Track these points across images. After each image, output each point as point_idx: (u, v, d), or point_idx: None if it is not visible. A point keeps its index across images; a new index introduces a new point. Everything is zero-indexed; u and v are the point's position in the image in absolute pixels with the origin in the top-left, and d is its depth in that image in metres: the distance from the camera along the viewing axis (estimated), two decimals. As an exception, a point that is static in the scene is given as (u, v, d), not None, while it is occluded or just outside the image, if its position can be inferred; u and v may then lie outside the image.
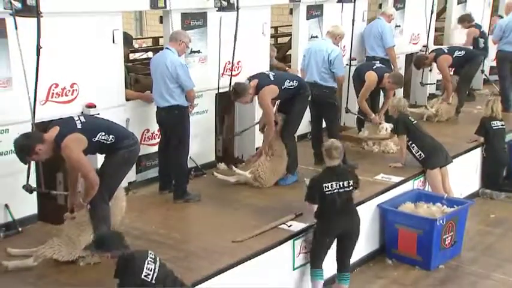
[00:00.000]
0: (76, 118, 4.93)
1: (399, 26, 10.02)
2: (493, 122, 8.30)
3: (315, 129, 7.71)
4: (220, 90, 7.17)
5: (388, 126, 7.91)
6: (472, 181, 8.43)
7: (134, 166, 6.05)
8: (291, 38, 9.03)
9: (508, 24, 10.06)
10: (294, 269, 5.60)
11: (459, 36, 11.21)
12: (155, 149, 6.68)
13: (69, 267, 4.85)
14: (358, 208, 5.82)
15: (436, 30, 11.08)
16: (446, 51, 9.61)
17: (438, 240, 6.31)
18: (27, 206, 5.58)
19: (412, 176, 7.21)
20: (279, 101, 7.04)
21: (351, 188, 5.44)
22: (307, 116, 7.30)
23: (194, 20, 6.86)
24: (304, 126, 7.65)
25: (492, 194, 8.39)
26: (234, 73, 7.24)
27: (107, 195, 4.94)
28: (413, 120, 7.49)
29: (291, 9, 8.47)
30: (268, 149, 6.78)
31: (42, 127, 5.18)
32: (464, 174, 8.08)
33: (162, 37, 7.75)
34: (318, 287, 5.60)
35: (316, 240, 5.58)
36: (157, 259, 4.18)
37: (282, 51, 9.96)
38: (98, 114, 5.80)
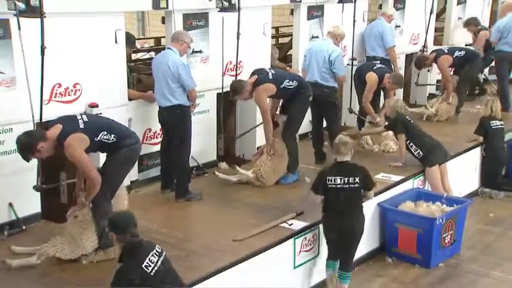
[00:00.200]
0: (79, 117, 4.94)
1: (399, 26, 10.03)
2: (492, 122, 8.31)
3: (316, 129, 7.72)
4: (223, 90, 7.18)
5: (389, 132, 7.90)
6: (471, 180, 8.43)
7: (136, 165, 6.07)
8: (291, 38, 9.03)
9: (506, 26, 10.07)
10: (295, 268, 5.60)
11: (459, 37, 11.23)
12: (157, 148, 6.68)
13: (72, 266, 4.86)
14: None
15: (435, 31, 11.08)
16: (446, 51, 9.63)
17: (438, 239, 6.32)
18: (31, 204, 5.60)
19: (412, 175, 7.22)
20: (281, 102, 7.05)
21: (356, 185, 5.36)
22: (307, 115, 7.30)
23: (196, 20, 6.87)
24: (305, 125, 7.66)
25: (491, 193, 8.39)
26: (234, 73, 7.24)
27: (109, 193, 4.95)
28: (410, 119, 7.51)
29: (292, 10, 8.47)
30: (270, 148, 6.78)
31: (45, 126, 5.19)
32: (463, 174, 8.08)
33: (164, 37, 7.77)
34: (331, 278, 5.62)
35: (324, 234, 5.63)
36: (163, 254, 4.13)
37: (282, 52, 9.96)
38: (101, 113, 5.82)
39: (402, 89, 9.25)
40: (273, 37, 9.37)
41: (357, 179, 5.36)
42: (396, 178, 6.97)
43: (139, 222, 5.55)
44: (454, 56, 9.49)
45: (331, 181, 5.36)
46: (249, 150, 7.72)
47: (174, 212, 6.10)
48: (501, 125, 8.38)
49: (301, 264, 5.64)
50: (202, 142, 7.10)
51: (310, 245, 5.71)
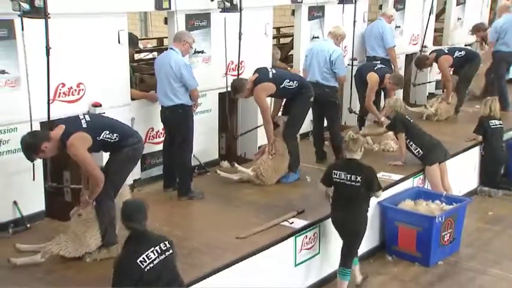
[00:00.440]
0: (81, 117, 4.95)
1: (399, 26, 10.02)
2: (491, 121, 8.31)
3: (317, 128, 7.72)
4: (225, 90, 7.18)
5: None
6: (470, 179, 8.43)
7: (139, 164, 6.07)
8: (292, 38, 9.03)
9: (503, 26, 10.10)
10: (296, 265, 5.61)
11: (458, 37, 11.24)
12: (160, 147, 6.69)
13: (76, 263, 4.87)
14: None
15: (435, 31, 11.08)
16: (446, 51, 9.64)
17: (437, 237, 6.32)
18: (35, 202, 5.62)
19: (412, 174, 7.22)
20: (283, 103, 7.06)
21: (358, 184, 5.38)
22: (308, 115, 7.30)
23: (198, 20, 6.87)
24: (306, 125, 7.65)
25: (490, 192, 8.39)
26: (237, 73, 7.25)
27: (112, 192, 4.96)
28: (410, 118, 7.51)
29: (293, 10, 8.48)
30: (272, 148, 6.78)
31: (49, 126, 5.21)
32: (462, 172, 8.09)
33: (166, 38, 7.77)
34: (353, 270, 5.71)
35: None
36: (168, 252, 4.03)
37: (284, 52, 9.95)
38: (104, 113, 5.83)
39: (402, 89, 9.24)
40: (274, 37, 9.37)
41: (359, 178, 5.38)
42: (396, 177, 6.98)
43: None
44: (454, 56, 9.51)
45: (336, 175, 5.47)
46: (251, 149, 7.72)
47: (176, 210, 6.11)
48: (500, 124, 8.39)
49: (302, 262, 5.65)
50: (204, 141, 7.11)
51: (311, 243, 5.72)
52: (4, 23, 5.13)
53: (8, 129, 5.32)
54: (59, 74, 5.52)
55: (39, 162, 5.31)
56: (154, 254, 3.98)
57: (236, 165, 6.83)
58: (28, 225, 5.49)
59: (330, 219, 5.90)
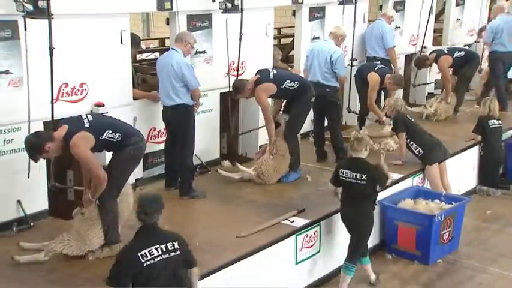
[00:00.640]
0: (84, 117, 4.96)
1: (399, 27, 10.02)
2: (490, 121, 8.30)
3: (317, 128, 7.72)
4: (226, 90, 7.18)
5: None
6: (469, 178, 8.43)
7: (141, 163, 6.08)
8: (293, 39, 9.03)
9: (498, 27, 10.13)
10: (297, 264, 5.61)
11: (458, 38, 11.24)
12: (162, 146, 6.69)
13: (79, 262, 4.88)
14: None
15: (434, 32, 11.08)
16: (446, 52, 9.64)
17: (436, 236, 6.32)
18: (39, 201, 5.63)
19: (412, 173, 7.22)
20: (284, 102, 7.06)
21: (363, 182, 5.47)
22: (309, 114, 7.30)
23: (200, 21, 6.87)
24: (307, 124, 7.65)
25: (489, 191, 8.38)
26: (238, 73, 7.25)
27: (114, 191, 4.96)
28: (411, 118, 7.51)
29: (294, 11, 8.48)
30: (273, 147, 6.79)
31: (52, 125, 5.22)
32: (462, 172, 8.09)
33: (168, 38, 7.77)
34: (365, 269, 5.78)
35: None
36: (174, 253, 3.98)
37: (285, 52, 9.95)
38: (107, 112, 5.83)
39: (402, 89, 9.24)
40: (275, 38, 9.36)
41: (364, 176, 5.46)
42: (396, 176, 6.97)
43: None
44: (454, 57, 9.51)
45: (342, 173, 5.57)
46: (252, 148, 7.72)
47: (177, 209, 6.11)
48: (499, 124, 8.38)
49: (302, 261, 5.65)
50: (206, 141, 7.11)
51: (312, 241, 5.72)
52: (8, 23, 5.13)
53: (11, 129, 5.33)
54: (62, 74, 5.52)
55: (42, 162, 5.32)
56: (158, 251, 3.95)
57: (238, 165, 6.83)
58: (32, 224, 5.50)
59: (330, 218, 5.94)
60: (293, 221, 5.68)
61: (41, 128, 5.30)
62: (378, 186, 5.62)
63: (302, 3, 8.21)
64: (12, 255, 4.82)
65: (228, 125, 7.74)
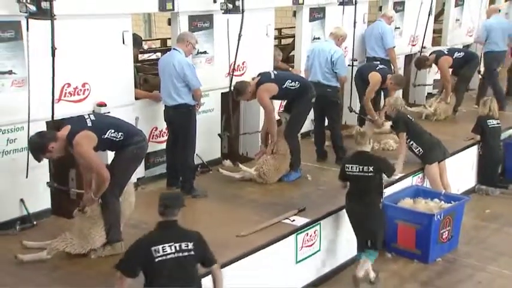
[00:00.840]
0: (86, 116, 4.98)
1: (399, 27, 10.02)
2: (489, 121, 8.30)
3: (318, 128, 7.72)
4: (227, 90, 7.19)
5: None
6: (468, 178, 8.43)
7: (143, 162, 6.07)
8: (294, 39, 9.03)
9: (491, 26, 10.21)
10: (297, 262, 5.62)
11: (457, 38, 11.25)
12: (163, 146, 6.70)
13: (82, 260, 4.89)
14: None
15: (434, 32, 11.08)
16: (446, 52, 9.66)
17: (436, 235, 6.33)
18: (42, 200, 5.64)
19: (411, 172, 7.23)
20: (285, 102, 7.06)
21: (371, 174, 5.59)
22: (310, 114, 7.31)
23: (201, 22, 6.88)
24: (307, 124, 7.66)
25: (488, 190, 8.38)
26: (238, 73, 7.26)
27: (117, 190, 4.97)
28: (411, 117, 7.52)
29: (294, 12, 8.49)
30: (273, 147, 6.79)
31: (55, 125, 5.22)
32: (461, 171, 8.09)
33: (170, 38, 7.78)
34: (364, 264, 5.71)
35: (350, 221, 5.81)
36: (188, 253, 3.97)
37: (285, 52, 9.95)
38: (109, 112, 5.84)
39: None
40: (275, 38, 9.37)
41: (371, 168, 5.59)
42: (396, 176, 6.97)
43: (144, 218, 5.60)
44: (454, 57, 9.52)
45: (349, 168, 5.68)
46: (252, 148, 7.72)
47: (179, 208, 6.10)
48: (497, 124, 8.38)
49: (303, 259, 5.66)
50: (207, 140, 7.11)
51: (312, 240, 5.73)
52: (11, 24, 5.14)
53: (14, 128, 5.34)
54: (64, 74, 5.53)
55: (45, 161, 5.32)
56: (171, 249, 3.95)
57: (240, 165, 6.84)
58: (35, 223, 5.51)
59: (330, 217, 5.94)
60: (293, 220, 5.68)
61: (43, 127, 5.32)
62: (385, 176, 5.76)
63: (302, 4, 8.21)
64: (15, 254, 4.83)
65: (229, 125, 7.73)
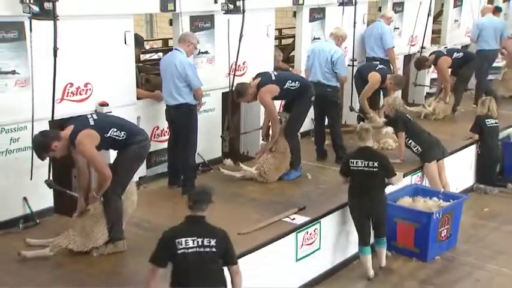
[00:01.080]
0: (89, 116, 5.00)
1: (398, 28, 10.02)
2: (488, 120, 8.31)
3: (318, 127, 7.73)
4: (228, 89, 7.19)
5: (389, 129, 7.89)
6: (467, 176, 8.44)
7: (145, 162, 6.07)
8: (294, 39, 9.04)
9: (484, 24, 10.28)
10: (297, 260, 5.63)
11: (456, 39, 11.26)
12: (165, 145, 6.70)
13: (85, 258, 4.90)
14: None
15: (433, 33, 11.08)
16: (445, 53, 9.67)
17: (434, 233, 6.33)
18: (44, 199, 5.64)
19: (410, 171, 7.23)
20: (284, 101, 7.07)
21: (375, 169, 5.67)
22: (310, 113, 7.31)
23: (202, 22, 6.89)
24: (307, 123, 7.67)
25: (486, 189, 8.39)
26: (239, 73, 7.26)
27: (119, 189, 4.98)
28: (410, 117, 7.53)
29: (295, 12, 8.49)
30: (273, 146, 6.80)
31: (59, 124, 5.23)
32: (459, 170, 8.09)
33: (171, 39, 7.78)
34: (365, 261, 5.84)
35: (352, 217, 5.89)
36: (207, 249, 3.99)
37: (286, 53, 9.95)
38: (111, 112, 5.84)
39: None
40: (276, 38, 9.37)
41: (376, 163, 5.67)
42: (392, 182, 6.96)
43: (146, 217, 5.62)
44: (453, 58, 9.53)
45: (353, 163, 5.73)
46: (253, 147, 7.73)
47: (180, 206, 6.04)
48: (496, 123, 8.39)
49: (303, 257, 5.66)
50: (208, 139, 7.11)
51: (312, 238, 5.74)
52: (14, 25, 5.15)
53: (17, 128, 5.35)
54: (67, 74, 5.54)
55: (47, 160, 5.33)
56: (193, 243, 3.98)
57: (241, 164, 6.84)
58: (38, 221, 5.52)
59: (330, 215, 5.94)
60: (294, 219, 5.69)
61: (46, 127, 5.32)
62: (385, 179, 5.81)
63: (303, 4, 8.21)
64: (19, 251, 4.84)
65: (230, 125, 7.73)
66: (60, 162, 5.47)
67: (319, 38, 8.48)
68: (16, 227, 5.40)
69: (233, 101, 7.15)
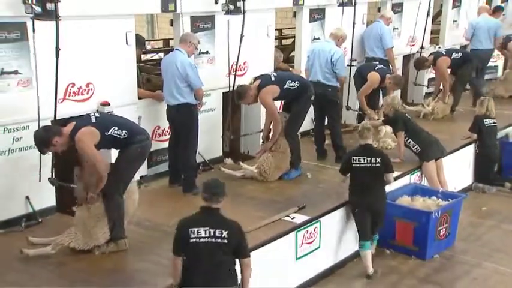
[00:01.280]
0: (91, 114, 5.02)
1: (397, 28, 10.03)
2: (486, 120, 8.32)
3: (318, 126, 7.73)
4: (228, 90, 7.20)
5: (388, 129, 7.89)
6: (465, 176, 8.44)
7: (146, 161, 6.08)
8: (294, 40, 9.04)
9: (478, 24, 10.34)
10: (297, 259, 5.63)
11: (455, 39, 11.28)
12: (165, 144, 6.71)
13: (86, 256, 4.91)
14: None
15: (432, 33, 11.09)
16: (444, 53, 9.67)
17: (433, 232, 6.34)
18: (47, 198, 5.65)
19: (409, 170, 7.24)
20: (284, 100, 7.07)
21: (378, 165, 5.75)
22: (310, 113, 7.32)
23: (203, 22, 6.89)
24: (307, 123, 7.68)
25: (484, 188, 8.40)
26: (240, 73, 7.26)
27: (121, 187, 4.99)
28: (409, 116, 7.55)
29: (295, 13, 8.49)
30: (273, 145, 6.80)
31: (60, 124, 5.23)
32: (458, 169, 8.09)
33: (172, 39, 7.78)
34: (366, 256, 5.89)
35: (353, 214, 5.95)
36: (218, 240, 4.01)
37: (286, 53, 9.95)
38: (112, 111, 5.85)
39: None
40: (276, 39, 9.37)
41: (378, 160, 5.77)
42: (394, 174, 6.97)
43: (147, 216, 5.62)
44: (452, 58, 9.53)
45: (356, 161, 5.79)
46: (253, 146, 7.73)
47: (181, 205, 6.10)
48: (494, 123, 8.40)
49: (303, 256, 5.67)
50: (209, 139, 7.12)
51: (312, 237, 5.74)
52: (17, 25, 5.16)
53: (20, 127, 5.36)
54: (69, 74, 5.55)
55: (49, 159, 5.34)
56: (205, 233, 4.02)
57: (242, 163, 6.84)
58: (40, 220, 5.53)
59: (329, 214, 5.94)
60: (294, 218, 5.69)
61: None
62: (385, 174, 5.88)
63: (302, 4, 8.21)
64: (21, 249, 4.85)
65: (231, 125, 7.73)
66: (63, 159, 5.48)
67: (319, 38, 8.49)
68: (18, 226, 5.40)
69: (233, 102, 7.16)
